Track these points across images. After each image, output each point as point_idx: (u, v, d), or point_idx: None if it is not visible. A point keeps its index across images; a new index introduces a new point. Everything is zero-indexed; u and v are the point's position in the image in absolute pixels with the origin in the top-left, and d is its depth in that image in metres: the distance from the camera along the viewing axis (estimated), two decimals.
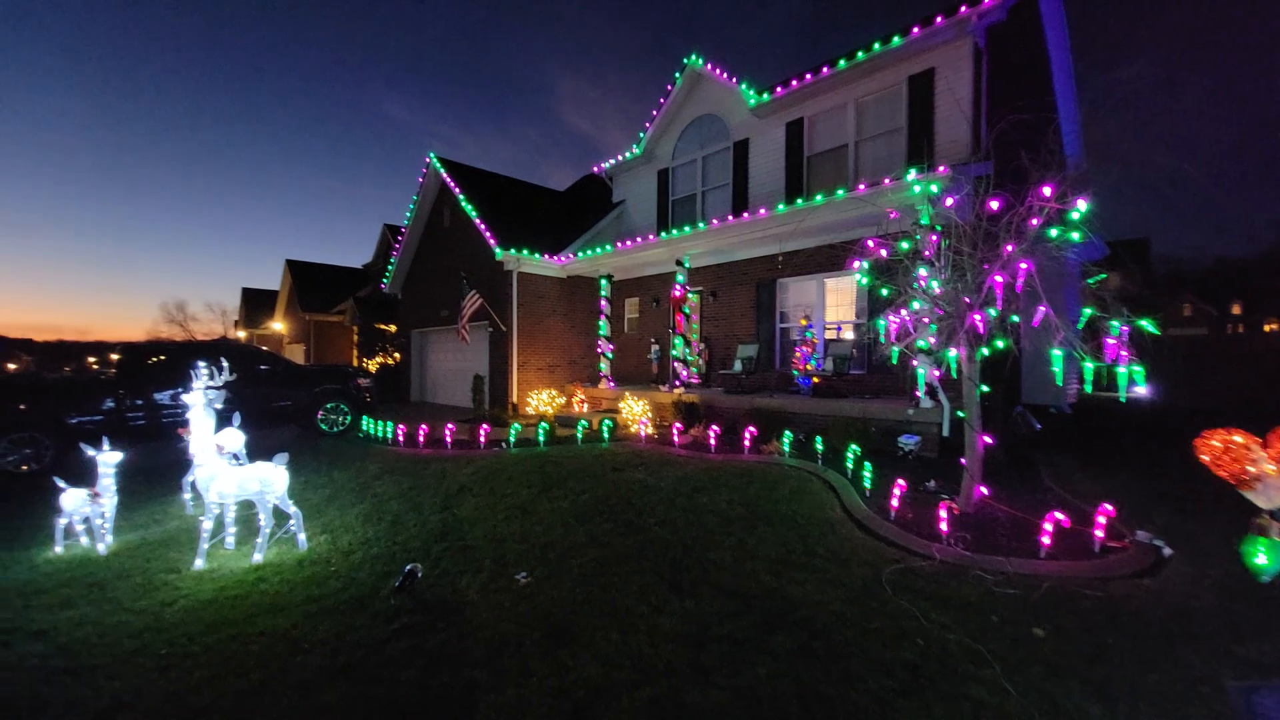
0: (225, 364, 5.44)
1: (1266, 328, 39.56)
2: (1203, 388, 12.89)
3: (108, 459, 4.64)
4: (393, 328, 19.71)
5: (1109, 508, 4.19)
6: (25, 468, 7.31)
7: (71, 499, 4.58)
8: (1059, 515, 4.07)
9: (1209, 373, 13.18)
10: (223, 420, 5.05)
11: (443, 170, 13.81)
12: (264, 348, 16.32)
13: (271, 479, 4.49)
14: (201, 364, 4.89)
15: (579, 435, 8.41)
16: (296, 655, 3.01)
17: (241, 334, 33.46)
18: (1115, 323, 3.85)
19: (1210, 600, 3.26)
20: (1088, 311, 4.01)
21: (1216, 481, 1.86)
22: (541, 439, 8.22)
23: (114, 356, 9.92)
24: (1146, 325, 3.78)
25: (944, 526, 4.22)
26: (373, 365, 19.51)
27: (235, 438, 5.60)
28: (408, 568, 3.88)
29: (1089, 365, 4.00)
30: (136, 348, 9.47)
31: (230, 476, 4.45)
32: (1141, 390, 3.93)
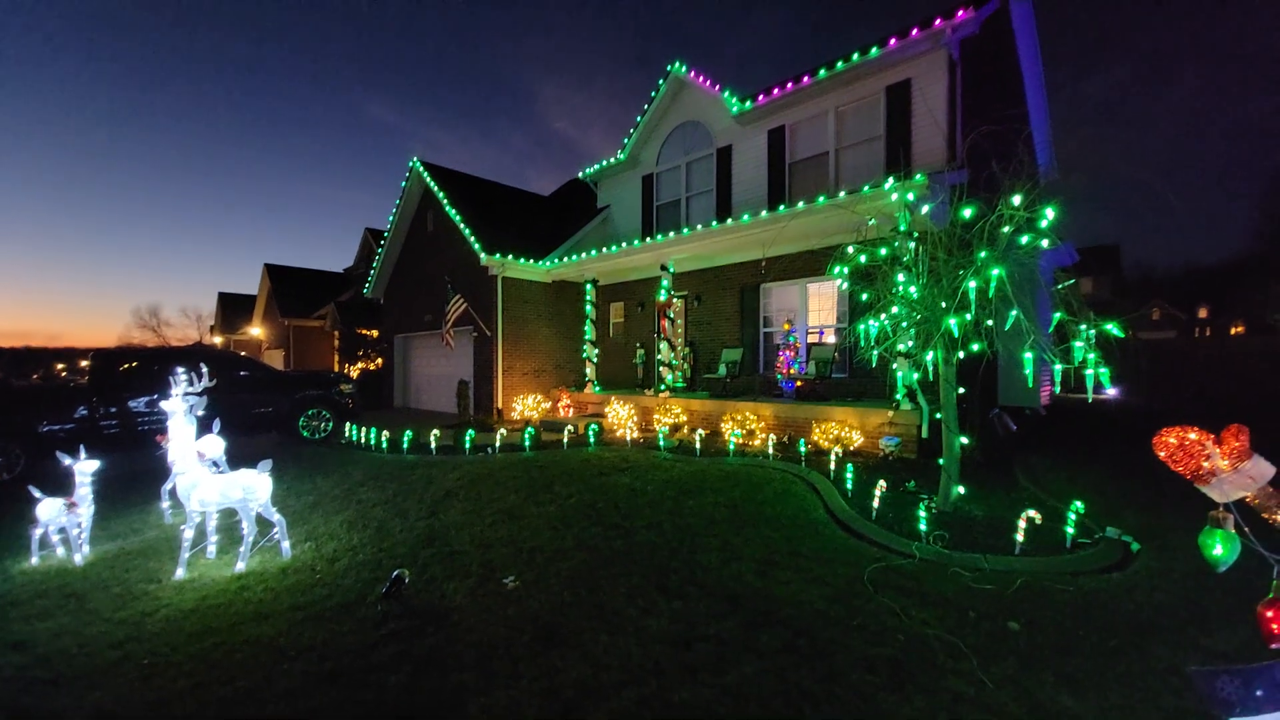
0: (205, 369, 5.37)
1: (1232, 331, 40.84)
2: (1172, 389, 13.31)
3: (84, 468, 4.56)
4: (375, 333, 19.51)
5: (1080, 505, 4.35)
6: None
7: (47, 509, 4.49)
8: (1033, 513, 4.19)
9: (1177, 374, 13.63)
10: (202, 427, 4.99)
11: (426, 175, 13.75)
12: (243, 353, 16.06)
13: (255, 486, 4.44)
14: (181, 370, 4.83)
15: (565, 440, 8.43)
16: (282, 662, 3.00)
17: (218, 339, 32.80)
18: (1083, 326, 4.01)
19: (1175, 593, 3.41)
20: (1058, 316, 4.17)
21: (1180, 479, 1.95)
22: (527, 444, 8.22)
23: (86, 363, 9.71)
24: (1112, 329, 3.93)
25: (923, 525, 4.33)
26: (355, 371, 19.29)
27: (216, 444, 5.51)
28: (395, 573, 3.87)
29: (1058, 367, 4.17)
30: (110, 354, 9.26)
31: (212, 484, 4.41)
32: (1109, 391, 4.10)
